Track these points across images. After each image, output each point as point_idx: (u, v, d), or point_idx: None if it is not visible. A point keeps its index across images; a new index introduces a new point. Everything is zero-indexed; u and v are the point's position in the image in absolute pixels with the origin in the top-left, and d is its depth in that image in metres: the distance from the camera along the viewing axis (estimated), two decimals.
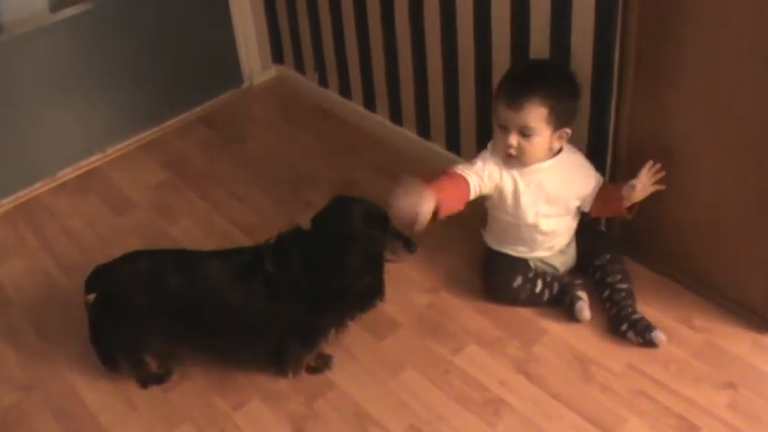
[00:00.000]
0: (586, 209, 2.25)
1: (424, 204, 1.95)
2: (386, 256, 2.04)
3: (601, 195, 2.21)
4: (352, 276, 1.97)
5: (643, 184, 2.11)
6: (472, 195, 2.13)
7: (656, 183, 2.13)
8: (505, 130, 2.08)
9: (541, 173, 2.14)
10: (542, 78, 2.09)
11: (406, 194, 1.96)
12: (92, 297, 2.06)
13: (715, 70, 1.93)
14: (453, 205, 2.06)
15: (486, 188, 2.15)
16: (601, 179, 2.23)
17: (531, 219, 2.18)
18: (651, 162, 2.10)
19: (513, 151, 2.09)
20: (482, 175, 2.13)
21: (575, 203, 2.22)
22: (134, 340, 2.11)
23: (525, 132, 2.06)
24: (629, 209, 2.16)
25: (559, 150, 2.15)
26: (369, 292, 2.01)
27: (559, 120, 2.07)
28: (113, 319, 2.06)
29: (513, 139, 2.07)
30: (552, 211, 2.19)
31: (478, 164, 2.14)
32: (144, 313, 2.03)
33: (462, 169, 2.13)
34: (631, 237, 2.33)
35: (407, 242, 2.07)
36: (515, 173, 2.14)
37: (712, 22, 1.88)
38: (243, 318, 2.03)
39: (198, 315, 2.03)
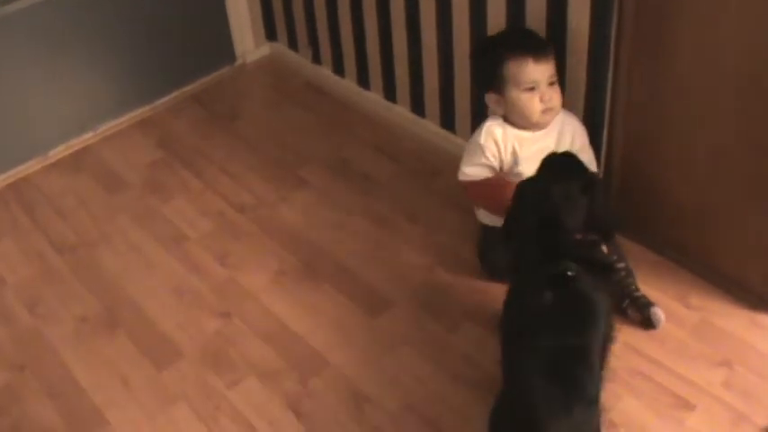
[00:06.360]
0: None
1: None
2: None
3: None
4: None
5: None
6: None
7: None
8: (533, 90, 2.11)
9: (542, 138, 2.17)
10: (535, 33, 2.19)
11: None
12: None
13: (713, 49, 1.91)
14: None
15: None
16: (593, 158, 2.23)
17: None
18: None
19: (548, 104, 2.13)
20: (496, 157, 2.19)
21: None
22: None
23: (552, 81, 2.13)
24: None
25: None
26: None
27: None
28: None
29: (547, 92, 2.12)
30: None
31: (486, 153, 2.18)
32: None
33: (486, 171, 2.20)
34: (627, 216, 2.32)
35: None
36: (515, 142, 2.17)
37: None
38: None
39: None
